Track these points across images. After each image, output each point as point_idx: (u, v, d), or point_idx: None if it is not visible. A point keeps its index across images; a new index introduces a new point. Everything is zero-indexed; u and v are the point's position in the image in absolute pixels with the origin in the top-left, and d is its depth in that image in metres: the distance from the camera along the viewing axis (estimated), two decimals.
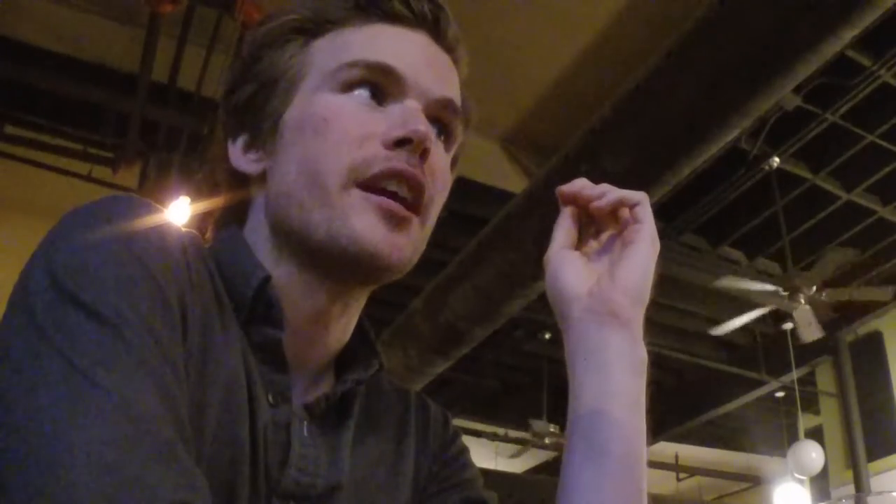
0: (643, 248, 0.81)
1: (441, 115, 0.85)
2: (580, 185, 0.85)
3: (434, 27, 0.86)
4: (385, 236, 0.77)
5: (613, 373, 0.77)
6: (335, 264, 0.78)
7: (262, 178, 0.83)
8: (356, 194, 0.77)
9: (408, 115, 0.80)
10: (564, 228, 0.86)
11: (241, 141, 0.85)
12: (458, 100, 0.87)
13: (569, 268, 0.83)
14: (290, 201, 0.79)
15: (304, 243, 0.79)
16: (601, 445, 0.74)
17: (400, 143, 0.78)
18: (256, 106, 0.84)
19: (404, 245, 0.79)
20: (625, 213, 0.84)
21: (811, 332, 6.39)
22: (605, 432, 0.74)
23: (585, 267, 0.83)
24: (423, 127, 0.79)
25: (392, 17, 0.84)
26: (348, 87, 0.81)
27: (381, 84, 0.81)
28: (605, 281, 0.80)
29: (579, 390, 0.77)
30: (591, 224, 0.86)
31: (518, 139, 6.68)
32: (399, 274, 0.81)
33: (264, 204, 0.83)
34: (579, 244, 0.86)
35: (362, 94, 0.81)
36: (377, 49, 0.82)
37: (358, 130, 0.79)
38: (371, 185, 0.78)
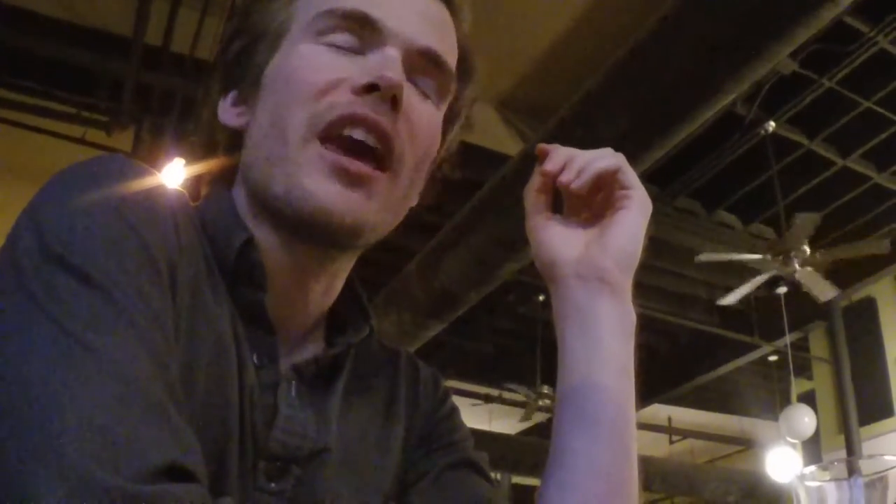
0: (632, 214, 0.81)
1: (426, 68, 0.81)
2: (557, 165, 0.82)
3: None
4: (339, 194, 0.74)
5: (603, 338, 0.77)
6: (293, 224, 0.76)
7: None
8: (313, 149, 0.75)
9: (382, 62, 0.77)
10: (533, 198, 0.85)
11: (231, 96, 0.84)
12: (446, 53, 0.83)
13: (552, 236, 0.83)
14: (258, 155, 0.78)
15: (266, 201, 0.77)
16: (591, 410, 0.74)
17: (368, 89, 0.75)
18: (245, 60, 0.82)
19: (363, 204, 0.75)
20: (609, 178, 0.81)
21: (824, 291, 6.32)
22: (594, 397, 0.75)
23: (570, 233, 0.82)
24: (394, 74, 0.76)
25: None
26: (323, 35, 0.78)
27: (360, 33, 0.78)
28: (594, 247, 0.80)
29: (569, 355, 0.78)
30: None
31: (513, 103, 6.65)
32: (363, 235, 0.77)
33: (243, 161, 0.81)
34: (567, 210, 0.85)
35: (338, 41, 0.78)
36: None
37: (324, 77, 0.76)
38: (332, 133, 0.75)
